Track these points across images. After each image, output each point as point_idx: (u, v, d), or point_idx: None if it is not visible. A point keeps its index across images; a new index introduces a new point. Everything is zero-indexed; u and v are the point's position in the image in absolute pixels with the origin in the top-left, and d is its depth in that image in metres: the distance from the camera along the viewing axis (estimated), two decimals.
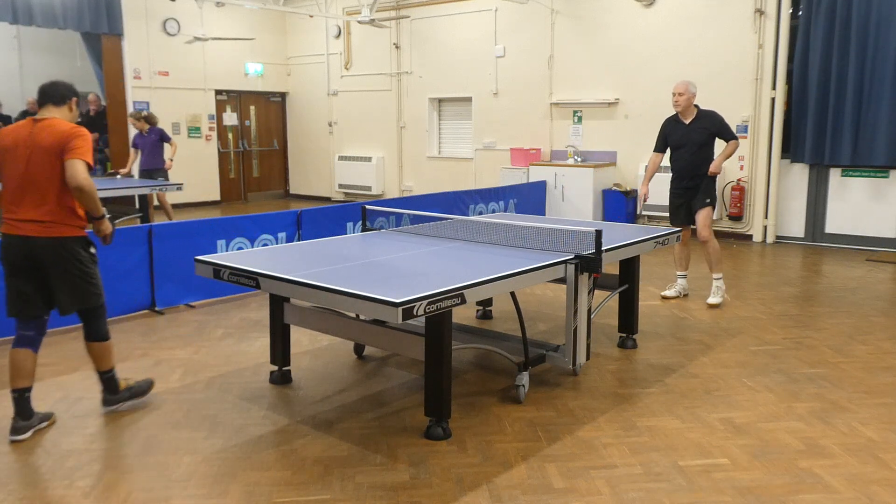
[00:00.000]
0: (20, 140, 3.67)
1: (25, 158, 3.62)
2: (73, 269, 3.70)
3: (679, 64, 9.78)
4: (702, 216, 6.16)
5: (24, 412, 3.68)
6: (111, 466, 3.37)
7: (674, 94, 6.16)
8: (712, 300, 6.22)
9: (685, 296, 6.53)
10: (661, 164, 6.54)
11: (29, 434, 3.67)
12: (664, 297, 6.46)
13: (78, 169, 3.55)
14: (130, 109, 12.44)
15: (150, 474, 3.30)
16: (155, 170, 9.83)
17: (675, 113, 6.25)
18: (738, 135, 9.30)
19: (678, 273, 6.54)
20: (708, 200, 6.17)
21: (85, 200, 3.62)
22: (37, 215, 3.62)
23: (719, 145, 6.23)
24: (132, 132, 10.56)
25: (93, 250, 3.83)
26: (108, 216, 3.83)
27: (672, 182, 6.37)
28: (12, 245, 3.67)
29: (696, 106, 6.20)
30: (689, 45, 9.74)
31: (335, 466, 3.37)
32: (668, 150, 6.34)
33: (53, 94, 3.77)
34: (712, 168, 6.15)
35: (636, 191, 10.34)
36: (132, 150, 10.06)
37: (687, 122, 6.18)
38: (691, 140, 6.13)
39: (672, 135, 6.26)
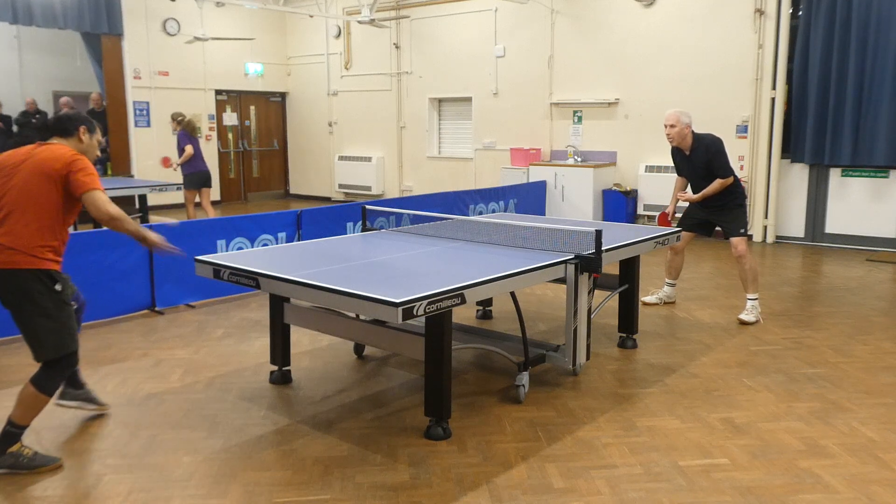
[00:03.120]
0: (15, 161, 3.36)
1: (7, 179, 3.31)
2: (28, 308, 3.26)
3: (679, 64, 9.79)
4: (736, 241, 5.77)
5: (75, 383, 3.81)
6: (111, 466, 3.37)
7: (665, 126, 5.65)
8: (745, 316, 5.73)
9: (668, 304, 6.30)
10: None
11: (75, 403, 3.83)
12: (644, 303, 6.12)
13: (99, 200, 3.25)
14: (131, 109, 12.46)
15: (150, 474, 3.30)
16: (189, 173, 9.78)
17: None
18: (738, 135, 9.50)
19: (667, 280, 6.32)
20: (742, 231, 5.76)
21: (122, 228, 3.34)
22: None
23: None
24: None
25: (57, 287, 3.32)
26: (147, 229, 3.51)
27: (692, 204, 5.98)
28: None
29: (693, 133, 5.69)
30: (689, 45, 9.74)
31: (335, 466, 3.37)
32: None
33: (58, 127, 3.52)
34: (687, 196, 5.81)
35: (636, 191, 10.34)
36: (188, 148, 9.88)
37: (687, 153, 5.75)
38: (695, 172, 5.76)
39: (680, 166, 5.91)
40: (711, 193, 5.73)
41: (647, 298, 6.24)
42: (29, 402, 3.30)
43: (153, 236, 3.48)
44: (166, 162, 9.74)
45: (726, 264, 8.11)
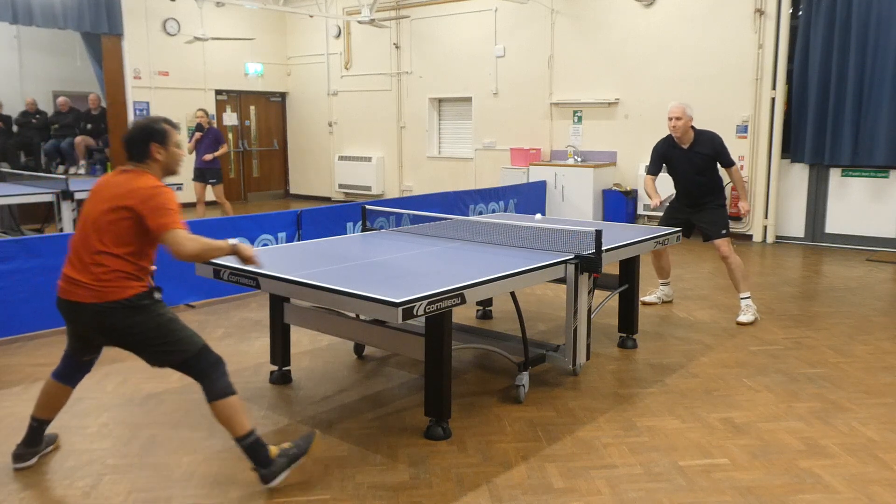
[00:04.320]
0: (98, 190, 3.16)
1: (88, 212, 3.12)
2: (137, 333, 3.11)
3: (679, 64, 9.79)
4: (719, 242, 5.78)
5: (34, 440, 3.39)
6: (111, 466, 3.37)
7: (670, 119, 5.65)
8: (742, 318, 5.72)
9: (667, 303, 6.32)
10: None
11: (34, 460, 3.38)
12: (644, 303, 6.11)
13: (180, 243, 3.00)
14: (131, 109, 12.46)
15: (150, 474, 3.30)
16: (207, 169, 10.06)
17: (668, 134, 5.79)
18: (738, 135, 9.51)
19: (660, 281, 6.33)
20: (724, 232, 5.78)
21: (210, 258, 3.17)
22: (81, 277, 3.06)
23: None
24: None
25: (157, 295, 3.20)
26: (234, 242, 3.19)
27: (677, 201, 6.00)
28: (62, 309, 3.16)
29: (692, 128, 5.73)
30: (689, 45, 9.74)
31: (335, 466, 3.37)
32: (669, 174, 5.95)
33: (128, 151, 3.18)
34: (745, 208, 5.91)
35: (636, 191, 10.34)
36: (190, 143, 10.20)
37: (685, 146, 5.73)
38: (693, 166, 5.74)
39: (671, 161, 5.84)
40: (743, 184, 5.92)
41: (647, 298, 6.23)
42: (227, 414, 3.08)
43: (246, 249, 3.21)
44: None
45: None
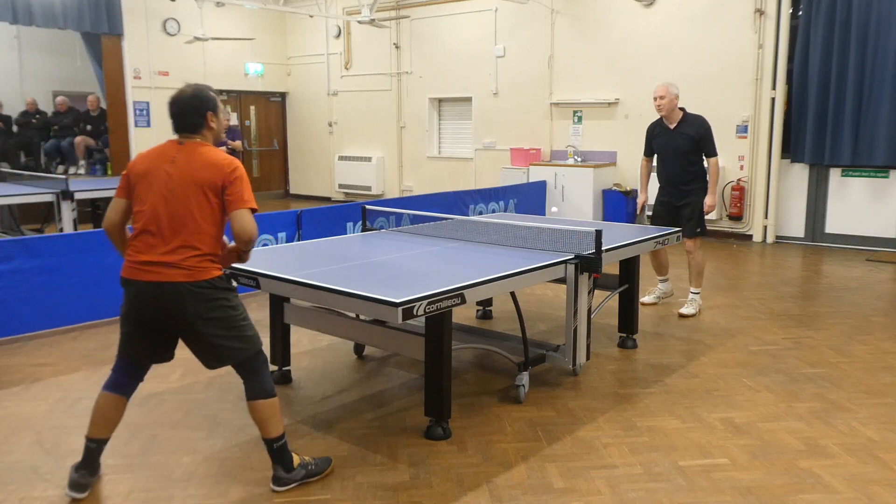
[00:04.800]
0: (165, 167, 3.03)
1: (168, 192, 2.98)
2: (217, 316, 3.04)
3: (679, 64, 9.79)
4: (689, 243, 5.85)
5: (92, 466, 3.15)
6: (111, 466, 3.37)
7: (655, 98, 5.77)
8: (685, 310, 5.90)
9: (667, 300, 6.33)
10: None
11: (88, 492, 3.13)
12: (643, 304, 6.04)
13: (248, 219, 2.95)
14: (131, 109, 12.46)
15: (150, 474, 3.30)
16: None
17: (660, 116, 5.90)
18: (737, 135, 9.50)
19: (659, 278, 6.33)
20: (699, 230, 5.84)
21: (249, 246, 3.03)
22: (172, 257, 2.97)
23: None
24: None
25: (235, 283, 3.19)
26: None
27: (659, 190, 6.05)
28: (138, 290, 3.03)
29: (681, 109, 5.82)
30: (689, 45, 9.74)
31: (335, 466, 3.36)
32: (656, 155, 6.05)
33: (183, 124, 3.09)
34: (708, 203, 5.80)
35: (636, 191, 10.34)
36: None
37: (672, 126, 5.81)
38: (675, 146, 5.78)
39: (656, 140, 5.93)
40: (717, 179, 5.89)
41: (645, 299, 6.22)
42: (268, 414, 3.08)
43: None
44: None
45: (726, 264, 8.12)
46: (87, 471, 3.14)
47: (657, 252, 6.15)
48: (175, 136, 3.12)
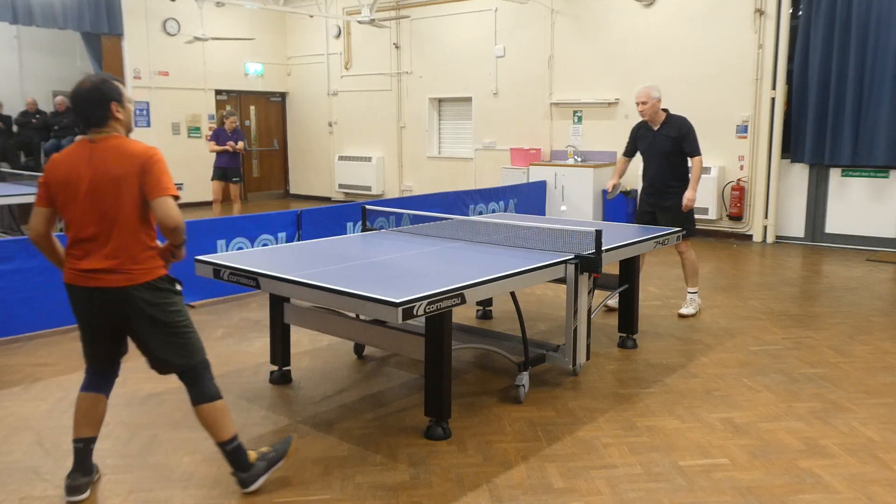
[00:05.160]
0: (80, 170, 2.92)
1: (91, 191, 2.90)
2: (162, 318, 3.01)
3: (679, 64, 9.79)
4: (681, 243, 5.75)
5: (84, 466, 3.12)
6: (111, 466, 3.37)
7: (637, 104, 5.78)
8: (684, 310, 5.91)
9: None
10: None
11: (88, 493, 3.11)
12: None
13: (170, 206, 2.87)
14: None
15: (150, 474, 3.30)
16: (232, 168, 10.26)
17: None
18: (738, 135, 9.51)
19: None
20: (685, 232, 5.66)
21: (177, 237, 2.96)
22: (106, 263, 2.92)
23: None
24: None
25: (178, 287, 3.12)
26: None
27: (642, 191, 6.05)
28: (82, 298, 3.00)
29: (665, 110, 5.81)
30: (689, 45, 9.74)
31: (335, 466, 3.37)
32: (641, 156, 6.03)
33: (89, 118, 2.95)
34: (685, 202, 5.73)
35: (636, 191, 10.32)
36: (213, 143, 10.31)
37: (656, 128, 5.82)
38: (658, 148, 5.80)
39: (641, 141, 5.94)
40: (699, 177, 5.84)
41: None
42: (215, 418, 3.04)
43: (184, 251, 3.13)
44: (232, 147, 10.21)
45: (726, 264, 8.12)
46: (81, 472, 3.12)
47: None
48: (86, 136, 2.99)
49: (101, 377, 3.19)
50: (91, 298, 2.96)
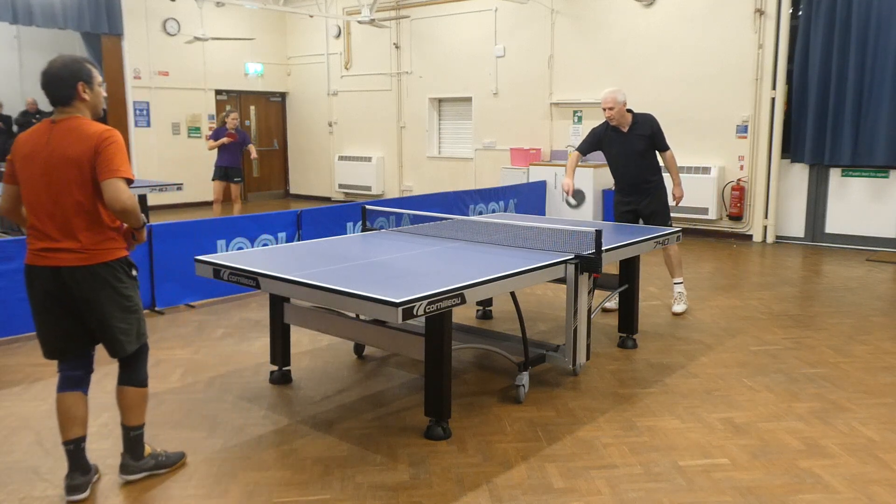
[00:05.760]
0: (37, 149, 2.96)
1: (43, 173, 2.94)
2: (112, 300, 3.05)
3: (679, 64, 9.79)
4: None
5: (81, 466, 3.11)
6: (111, 466, 3.36)
7: (604, 109, 5.74)
8: (677, 308, 5.96)
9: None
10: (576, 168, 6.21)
11: (88, 492, 3.11)
12: (605, 310, 5.95)
13: (123, 190, 2.86)
14: (131, 109, 12.47)
15: (150, 474, 3.30)
16: (234, 168, 10.20)
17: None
18: (738, 135, 9.50)
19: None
20: (668, 225, 5.80)
21: (129, 219, 2.97)
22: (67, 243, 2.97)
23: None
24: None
25: (134, 273, 3.16)
26: (145, 222, 3.14)
27: (616, 193, 6.06)
28: (39, 277, 3.04)
29: (629, 111, 5.79)
30: (689, 45, 9.74)
31: (335, 466, 3.37)
32: (608, 161, 6.02)
33: (54, 95, 2.98)
34: (677, 195, 5.87)
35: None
36: (212, 141, 10.24)
37: (625, 130, 5.79)
38: (631, 149, 5.78)
39: (611, 145, 5.89)
40: (677, 171, 5.96)
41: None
42: (136, 402, 3.19)
43: (141, 235, 3.17)
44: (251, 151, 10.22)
45: (726, 264, 8.12)
46: (79, 472, 3.11)
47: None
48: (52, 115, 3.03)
49: (74, 372, 3.15)
50: (48, 278, 3.00)
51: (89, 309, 3.03)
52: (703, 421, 3.87)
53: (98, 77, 3.07)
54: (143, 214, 3.08)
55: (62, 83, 2.96)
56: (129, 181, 2.92)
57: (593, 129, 6.05)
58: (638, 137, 5.78)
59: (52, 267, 2.98)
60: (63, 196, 2.93)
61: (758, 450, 3.53)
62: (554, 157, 11.22)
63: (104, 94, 3.16)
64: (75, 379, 3.15)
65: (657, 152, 5.88)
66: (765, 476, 3.27)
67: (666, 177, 5.97)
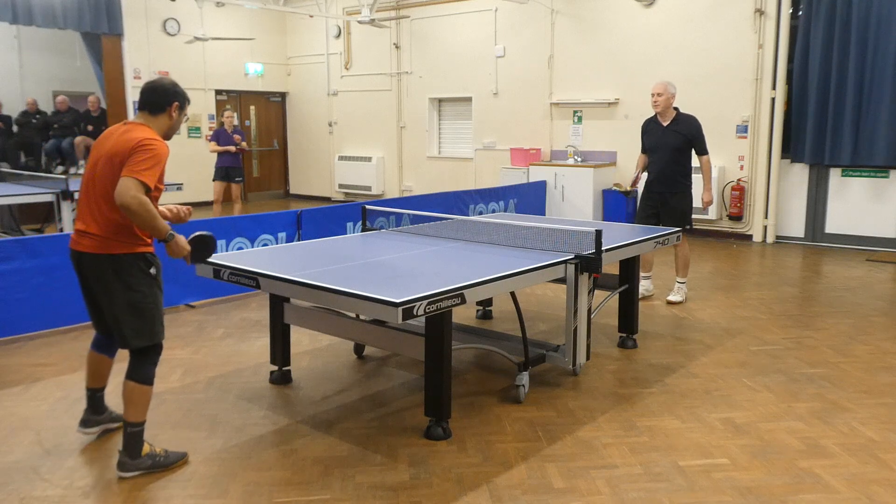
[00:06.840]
0: (101, 141, 3.24)
1: (93, 164, 3.20)
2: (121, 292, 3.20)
3: (679, 64, 9.79)
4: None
5: (96, 408, 3.63)
6: (111, 466, 3.37)
7: (652, 95, 6.05)
8: (673, 297, 6.27)
9: (650, 296, 6.45)
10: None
11: (97, 429, 3.65)
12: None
13: (130, 188, 2.98)
14: (131, 109, 12.46)
15: (150, 474, 3.30)
16: (234, 168, 10.26)
17: (654, 114, 6.15)
18: (738, 135, 9.51)
19: (642, 275, 6.26)
20: (687, 227, 6.04)
21: (133, 218, 3.05)
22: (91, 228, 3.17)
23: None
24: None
25: (152, 271, 3.28)
26: (172, 233, 3.26)
27: (646, 185, 6.23)
28: (72, 258, 3.29)
29: (675, 108, 6.07)
30: (689, 45, 9.74)
31: (335, 466, 3.37)
32: (645, 152, 6.27)
33: (149, 100, 3.27)
34: (706, 200, 6.11)
35: (636, 191, 10.31)
36: (214, 143, 10.27)
37: (665, 123, 6.05)
38: (667, 143, 6.01)
39: (649, 136, 6.15)
40: (710, 177, 6.19)
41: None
42: (139, 399, 3.26)
43: (179, 247, 3.31)
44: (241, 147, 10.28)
45: (726, 264, 8.12)
46: (92, 412, 3.60)
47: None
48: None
49: (103, 339, 3.51)
50: (75, 260, 3.28)
51: (99, 295, 3.26)
52: (703, 421, 3.87)
53: (187, 112, 3.48)
54: (167, 224, 3.22)
55: (162, 94, 3.29)
56: (148, 187, 3.05)
57: (642, 124, 6.32)
58: (674, 133, 5.99)
59: (76, 250, 3.24)
60: (98, 186, 3.16)
61: (758, 450, 3.53)
62: (554, 157, 11.22)
63: (182, 124, 3.50)
64: (105, 344, 3.53)
65: (694, 155, 6.06)
66: (765, 476, 3.27)
67: (696, 178, 6.18)
